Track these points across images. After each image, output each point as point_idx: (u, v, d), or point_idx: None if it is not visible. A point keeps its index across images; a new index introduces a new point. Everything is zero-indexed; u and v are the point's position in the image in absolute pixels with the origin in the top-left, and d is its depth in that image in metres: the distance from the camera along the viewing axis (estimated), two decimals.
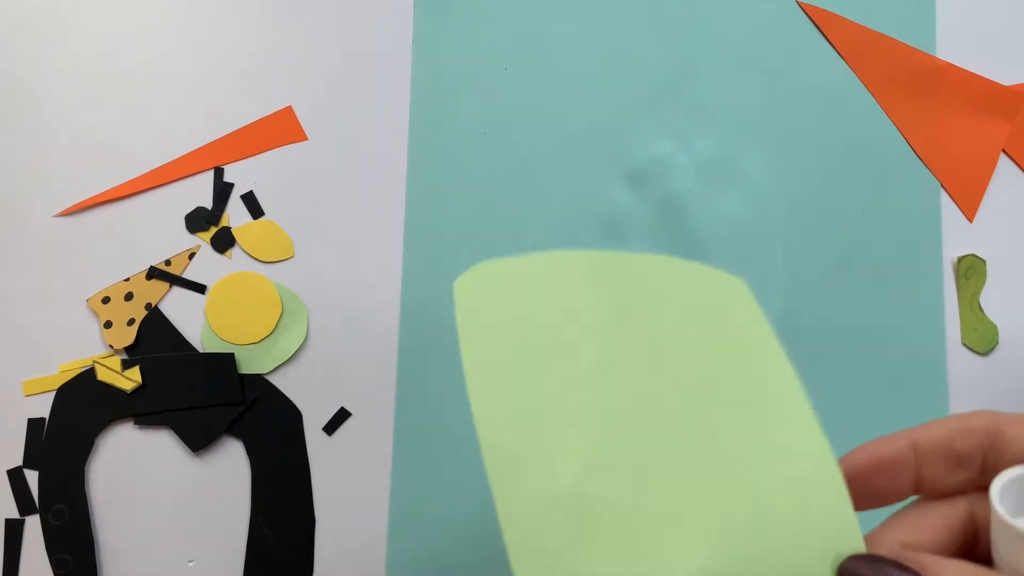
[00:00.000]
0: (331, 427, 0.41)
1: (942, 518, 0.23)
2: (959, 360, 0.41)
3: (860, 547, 0.22)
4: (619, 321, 0.25)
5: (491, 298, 0.25)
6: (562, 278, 0.25)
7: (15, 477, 0.41)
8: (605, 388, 0.24)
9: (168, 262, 0.42)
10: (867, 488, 0.23)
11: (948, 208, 0.42)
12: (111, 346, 0.41)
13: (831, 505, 0.23)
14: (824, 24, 0.43)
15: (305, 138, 0.43)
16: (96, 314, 0.42)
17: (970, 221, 0.42)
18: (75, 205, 0.42)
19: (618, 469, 0.24)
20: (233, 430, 0.41)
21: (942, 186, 0.42)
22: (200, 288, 0.42)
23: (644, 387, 0.24)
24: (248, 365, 0.41)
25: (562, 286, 0.25)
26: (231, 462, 0.41)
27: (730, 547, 0.23)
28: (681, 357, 0.25)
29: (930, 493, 0.24)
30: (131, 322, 0.41)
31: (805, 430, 0.24)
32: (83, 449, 0.41)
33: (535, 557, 0.23)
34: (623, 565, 0.23)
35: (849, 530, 0.23)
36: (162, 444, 0.41)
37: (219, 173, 0.43)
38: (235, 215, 0.43)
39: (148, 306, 0.42)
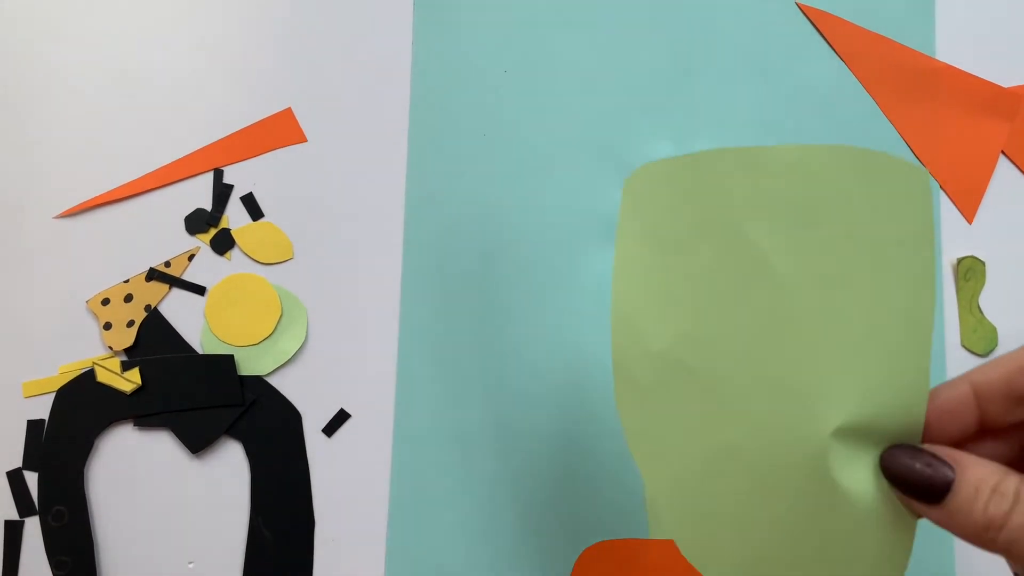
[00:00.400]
0: (330, 428, 0.41)
1: (1003, 437, 0.26)
2: (958, 361, 0.41)
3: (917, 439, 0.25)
4: (766, 221, 0.27)
5: (657, 201, 0.29)
6: (726, 180, 0.28)
7: (15, 479, 0.41)
8: (733, 280, 0.28)
9: (168, 264, 0.42)
10: (933, 434, 0.25)
11: (947, 209, 0.42)
12: (110, 348, 0.41)
13: (906, 402, 0.25)
14: (823, 25, 0.43)
15: (305, 139, 0.43)
16: (96, 316, 0.42)
17: (969, 222, 0.42)
18: (75, 206, 0.42)
19: (715, 344, 0.28)
20: (232, 431, 0.41)
21: (941, 188, 0.42)
22: (200, 290, 0.42)
23: (766, 287, 0.27)
24: (247, 366, 0.41)
25: (724, 189, 0.28)
26: (230, 464, 0.41)
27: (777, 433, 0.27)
28: (823, 249, 0.27)
29: (993, 429, 0.25)
30: (131, 324, 0.41)
31: (917, 345, 0.26)
32: (83, 450, 0.41)
33: (630, 395, 0.30)
34: (703, 421, 0.28)
35: (915, 427, 0.25)
36: (162, 446, 0.41)
37: (219, 175, 0.43)
38: (235, 217, 0.43)
39: (148, 308, 0.42)
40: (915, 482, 0.24)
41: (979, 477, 0.23)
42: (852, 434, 0.26)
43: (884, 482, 0.25)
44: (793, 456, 0.27)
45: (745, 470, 0.28)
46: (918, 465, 0.24)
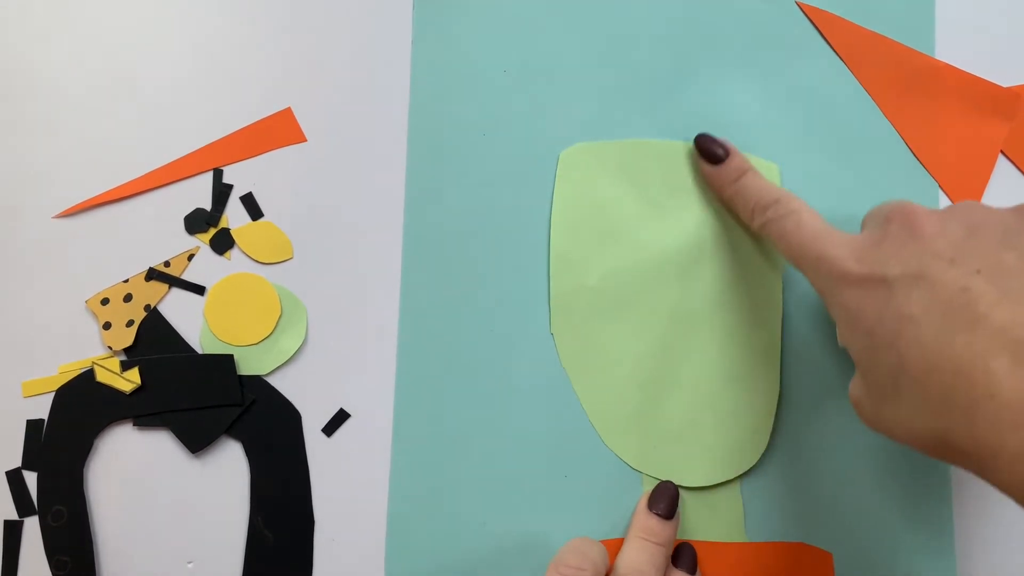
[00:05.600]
0: (330, 428, 0.41)
1: None
2: None
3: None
4: (670, 192, 0.41)
5: (587, 170, 0.41)
6: (641, 161, 0.41)
7: (14, 478, 0.41)
8: (643, 236, 0.41)
9: (167, 263, 0.42)
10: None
11: None
12: (110, 347, 0.41)
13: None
14: (823, 25, 0.43)
15: (304, 139, 0.43)
16: (95, 315, 0.42)
17: None
18: (74, 206, 0.42)
19: (631, 280, 0.40)
20: (232, 431, 0.41)
21: (940, 187, 0.42)
22: (199, 289, 0.42)
23: (671, 239, 0.40)
24: (247, 366, 0.41)
25: (640, 167, 0.41)
26: (230, 463, 0.41)
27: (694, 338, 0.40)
28: (703, 208, 0.41)
29: None
30: (130, 323, 0.41)
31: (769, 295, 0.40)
32: (82, 450, 0.41)
33: (565, 322, 0.41)
34: (620, 338, 0.40)
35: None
36: (161, 445, 0.41)
37: (218, 174, 0.43)
38: (234, 216, 0.43)
39: (147, 307, 0.42)
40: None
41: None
42: (725, 339, 0.40)
43: (744, 383, 0.39)
44: (684, 356, 0.40)
45: (649, 372, 0.40)
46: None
